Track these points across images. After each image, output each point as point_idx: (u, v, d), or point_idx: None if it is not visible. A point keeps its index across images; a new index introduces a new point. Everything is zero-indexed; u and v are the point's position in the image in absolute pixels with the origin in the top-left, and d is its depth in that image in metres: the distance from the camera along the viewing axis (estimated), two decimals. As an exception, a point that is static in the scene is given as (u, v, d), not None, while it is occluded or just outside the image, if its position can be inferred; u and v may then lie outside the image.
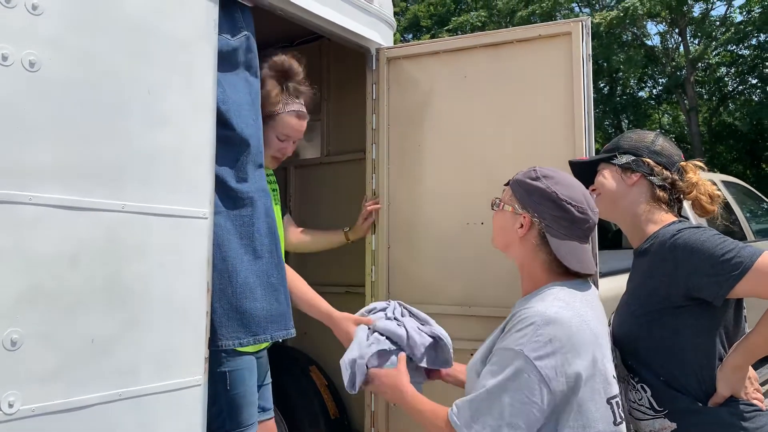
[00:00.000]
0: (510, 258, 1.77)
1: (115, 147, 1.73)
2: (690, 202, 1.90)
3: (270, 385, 2.60)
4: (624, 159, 1.89)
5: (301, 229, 2.95)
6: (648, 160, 1.86)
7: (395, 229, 2.79)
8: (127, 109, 1.77)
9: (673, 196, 1.88)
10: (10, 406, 1.48)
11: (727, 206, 5.27)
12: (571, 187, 1.64)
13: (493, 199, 1.77)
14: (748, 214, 5.56)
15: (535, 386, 1.44)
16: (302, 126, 2.51)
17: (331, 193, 3.44)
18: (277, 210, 2.71)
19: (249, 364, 2.26)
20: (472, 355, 2.57)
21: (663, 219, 1.84)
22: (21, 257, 1.52)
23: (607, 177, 1.92)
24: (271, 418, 2.49)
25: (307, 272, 3.47)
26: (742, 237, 5.19)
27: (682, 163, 1.89)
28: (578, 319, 1.52)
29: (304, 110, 2.52)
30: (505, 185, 1.77)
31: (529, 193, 1.65)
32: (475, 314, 2.57)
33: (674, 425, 1.69)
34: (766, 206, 6.22)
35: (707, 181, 1.90)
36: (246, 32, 2.25)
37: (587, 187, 2.10)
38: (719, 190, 1.91)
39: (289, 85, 2.47)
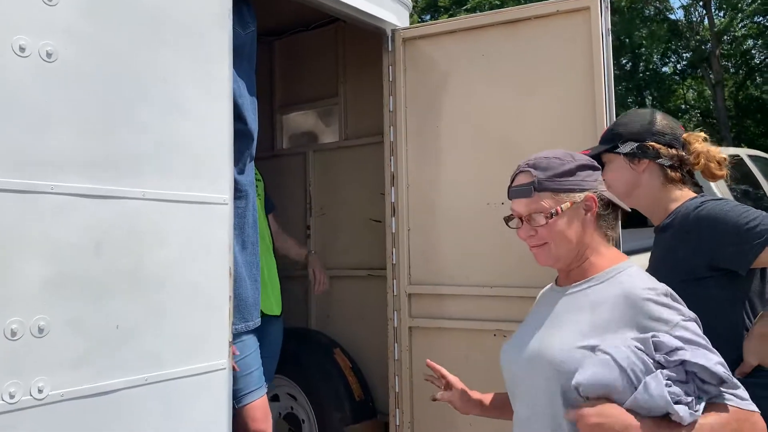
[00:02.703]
0: (568, 264, 1.51)
1: (133, 135, 1.75)
2: (699, 171, 1.87)
3: (270, 361, 2.72)
4: (628, 147, 1.84)
5: (279, 231, 3.14)
6: (652, 143, 1.82)
7: (415, 211, 2.78)
8: (144, 98, 1.78)
9: (684, 171, 1.84)
10: (40, 391, 1.51)
11: (754, 181, 5.17)
12: (575, 152, 1.58)
13: (543, 212, 1.46)
14: (776, 189, 5.44)
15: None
16: None
17: (350, 177, 3.44)
18: (259, 203, 2.79)
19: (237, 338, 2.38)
20: (495, 335, 2.58)
21: (683, 195, 1.82)
22: (45, 245, 1.54)
23: (615, 169, 1.87)
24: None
25: (328, 256, 3.50)
26: (771, 212, 5.08)
27: (684, 135, 1.86)
28: None
29: None
30: (521, 198, 1.49)
31: (570, 175, 1.47)
32: (497, 295, 2.56)
33: None
34: (794, 181, 6.08)
35: (712, 147, 1.85)
36: (253, 27, 2.35)
37: None
38: (724, 153, 1.87)
39: None
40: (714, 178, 1.86)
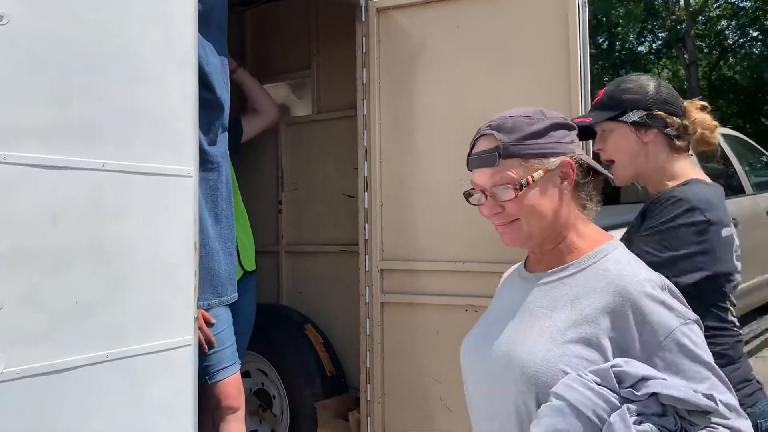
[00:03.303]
0: (541, 244, 1.28)
1: (91, 103, 1.67)
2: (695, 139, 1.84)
3: (243, 337, 2.71)
4: (635, 116, 1.75)
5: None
6: (660, 112, 1.74)
7: (388, 186, 2.74)
8: (103, 63, 1.70)
9: (687, 139, 1.80)
10: (-7, 368, 1.46)
11: (726, 159, 5.22)
12: (549, 110, 1.31)
13: (511, 183, 1.21)
14: (747, 168, 5.52)
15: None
16: None
17: (323, 151, 3.38)
18: (233, 174, 2.74)
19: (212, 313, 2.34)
20: (466, 310, 2.57)
21: (683, 173, 1.76)
22: (-3, 218, 1.48)
23: (619, 138, 1.79)
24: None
25: (301, 232, 3.45)
26: (741, 190, 5.15)
27: (685, 104, 1.81)
28: None
29: None
30: (483, 168, 1.24)
31: (542, 137, 1.23)
32: (469, 270, 2.55)
33: None
34: (765, 159, 6.17)
35: (706, 115, 1.82)
36: None
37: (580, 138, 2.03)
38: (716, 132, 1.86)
39: None
40: (708, 145, 1.82)
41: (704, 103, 1.83)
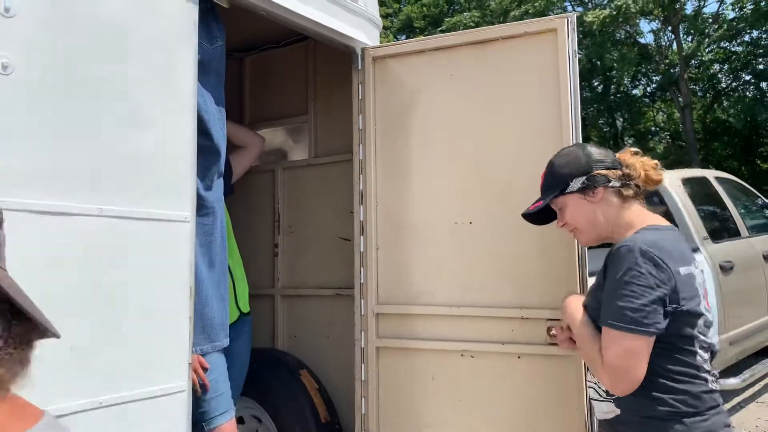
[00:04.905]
0: None
1: (91, 150, 1.71)
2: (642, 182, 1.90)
3: (236, 384, 2.68)
4: (578, 183, 1.87)
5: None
6: (598, 171, 1.86)
7: (383, 230, 2.76)
8: (104, 112, 1.74)
9: (633, 185, 1.88)
10: (-15, 416, 1.45)
11: (720, 202, 5.26)
12: None
13: None
14: (742, 210, 5.55)
15: None
16: None
17: (320, 195, 3.41)
18: (227, 218, 2.77)
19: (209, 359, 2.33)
20: (462, 355, 2.56)
21: (639, 220, 1.83)
22: (-6, 264, 1.49)
23: (573, 208, 1.90)
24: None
25: (297, 275, 3.46)
26: (737, 233, 5.17)
27: (618, 155, 1.92)
28: None
29: None
30: None
31: None
32: (464, 315, 2.55)
33: (618, 411, 1.74)
34: (760, 202, 6.21)
35: (644, 157, 1.91)
36: (221, 42, 2.34)
37: (544, 222, 2.08)
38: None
39: None
40: (655, 183, 1.91)
41: (635, 149, 1.93)
